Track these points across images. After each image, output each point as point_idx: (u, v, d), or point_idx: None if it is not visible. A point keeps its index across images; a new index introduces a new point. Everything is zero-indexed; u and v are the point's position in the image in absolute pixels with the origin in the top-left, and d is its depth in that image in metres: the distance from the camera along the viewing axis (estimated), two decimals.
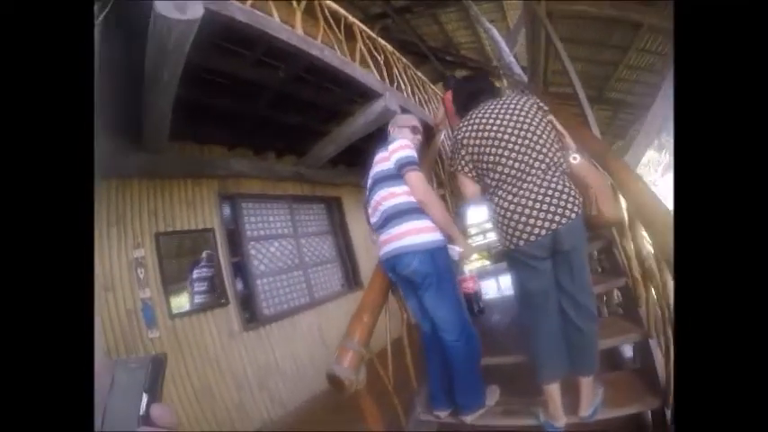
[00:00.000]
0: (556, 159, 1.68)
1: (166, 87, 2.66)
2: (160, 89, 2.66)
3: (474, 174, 1.82)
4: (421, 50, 9.35)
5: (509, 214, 1.67)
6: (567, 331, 1.74)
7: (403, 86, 5.54)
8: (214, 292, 4.07)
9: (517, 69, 5.92)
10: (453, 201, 4.29)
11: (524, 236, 1.64)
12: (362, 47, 4.66)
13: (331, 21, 4.21)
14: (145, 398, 0.44)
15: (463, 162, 1.83)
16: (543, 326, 1.75)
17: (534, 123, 1.70)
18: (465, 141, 1.80)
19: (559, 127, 1.79)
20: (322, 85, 4.12)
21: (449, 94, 4.35)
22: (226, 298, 4.15)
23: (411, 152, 2.01)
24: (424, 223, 1.93)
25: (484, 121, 1.77)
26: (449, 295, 1.93)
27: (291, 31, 3.18)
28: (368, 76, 4.14)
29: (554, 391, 1.77)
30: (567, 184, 1.65)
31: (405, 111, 4.62)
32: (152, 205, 3.86)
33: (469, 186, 1.86)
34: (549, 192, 1.62)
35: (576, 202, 1.63)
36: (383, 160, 2.04)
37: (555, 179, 1.64)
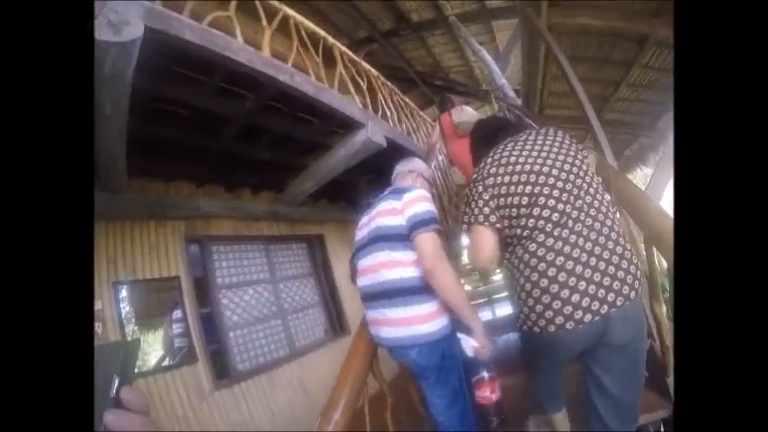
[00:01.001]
0: (606, 206, 1.29)
1: (112, 120, 2.35)
2: (104, 122, 2.33)
3: (500, 224, 1.33)
4: (408, 76, 9.23)
5: (543, 273, 1.20)
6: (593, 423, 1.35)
7: (389, 114, 5.23)
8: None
9: (510, 92, 5.70)
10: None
11: (562, 316, 1.16)
12: (343, 71, 4.35)
13: (308, 42, 3.89)
14: (116, 381, 0.45)
15: (487, 209, 1.33)
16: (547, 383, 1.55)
17: (578, 158, 1.33)
18: (489, 181, 1.34)
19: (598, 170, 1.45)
20: (296, 114, 3.80)
21: (446, 116, 4.12)
22: (194, 354, 3.75)
23: (431, 207, 1.55)
24: (432, 307, 1.49)
25: (515, 154, 1.36)
26: (451, 389, 1.52)
27: (254, 52, 2.85)
28: (348, 104, 3.81)
29: (559, 418, 1.59)
30: (625, 245, 1.23)
31: (392, 143, 4.31)
32: (111, 251, 3.53)
33: (491, 243, 1.34)
34: (604, 251, 1.18)
35: (638, 274, 1.21)
36: (393, 213, 1.56)
37: (607, 232, 1.22)
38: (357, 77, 4.70)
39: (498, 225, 1.33)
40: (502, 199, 1.31)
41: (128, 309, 3.53)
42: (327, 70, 4.05)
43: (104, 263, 3.42)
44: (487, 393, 1.73)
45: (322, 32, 4.20)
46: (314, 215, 5.56)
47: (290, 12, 3.65)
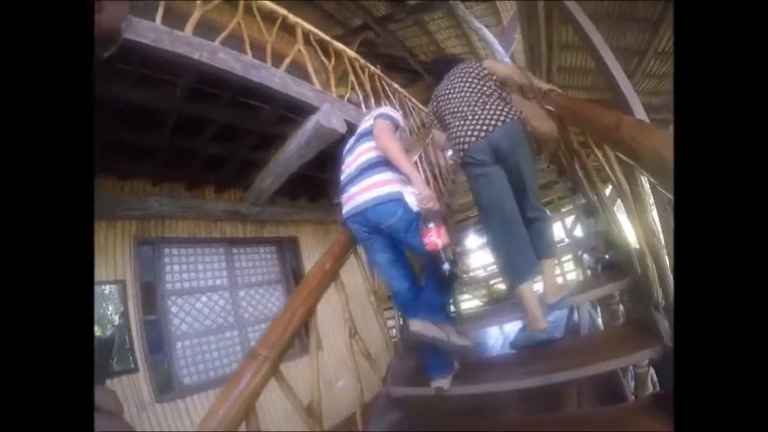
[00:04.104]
0: (491, 91, 2.21)
1: None
2: None
3: (438, 125, 2.42)
4: (411, 66, 8.93)
5: (457, 136, 2.16)
6: (527, 228, 2.08)
7: (373, 100, 5.07)
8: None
9: None
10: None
11: (466, 143, 2.10)
12: (303, 48, 4.14)
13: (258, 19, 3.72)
14: None
15: (431, 118, 2.51)
16: (503, 234, 2.09)
17: (475, 73, 2.28)
18: (432, 104, 2.45)
19: (501, 70, 2.35)
20: (235, 101, 3.56)
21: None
22: (135, 363, 3.64)
23: (393, 112, 2.21)
24: (390, 175, 2.04)
25: (441, 85, 2.41)
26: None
27: (166, 31, 2.67)
28: (295, 86, 3.58)
29: (527, 291, 2.02)
30: (501, 103, 2.14)
31: (352, 126, 4.06)
32: None
33: (437, 135, 2.49)
34: (485, 112, 2.11)
35: (507, 111, 2.10)
36: (367, 120, 2.24)
37: (490, 103, 2.14)
38: (324, 58, 4.48)
39: (437, 125, 2.45)
40: (436, 110, 2.40)
41: None
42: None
43: None
44: (434, 239, 1.92)
45: (282, 10, 4.01)
46: (286, 215, 5.38)
47: None
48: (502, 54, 6.06)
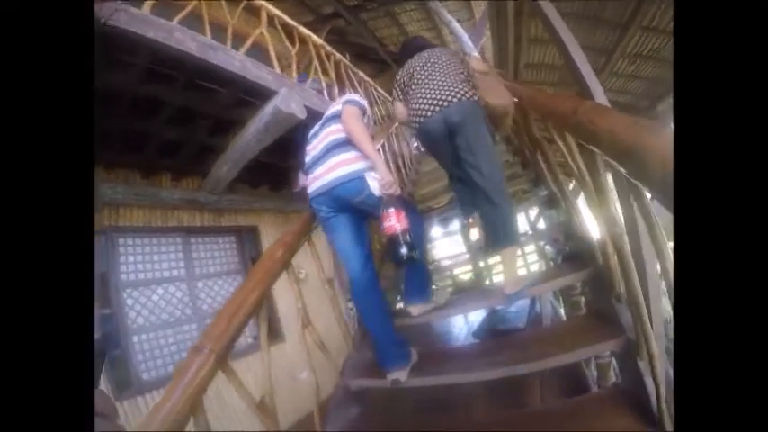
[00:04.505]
0: (459, 73, 2.31)
1: None
2: None
3: (402, 97, 2.51)
4: (380, 57, 8.92)
5: (416, 108, 2.28)
6: (484, 209, 2.18)
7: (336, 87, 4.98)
8: None
9: None
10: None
11: (423, 115, 2.24)
12: (265, 32, 4.03)
13: None
14: None
15: (395, 91, 2.57)
16: (469, 190, 2.28)
17: (450, 54, 2.44)
18: (397, 78, 2.56)
19: (471, 63, 2.44)
20: (191, 83, 3.41)
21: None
22: None
23: (361, 99, 2.32)
24: (355, 154, 2.12)
25: (414, 59, 2.48)
26: None
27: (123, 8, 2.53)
28: (251, 67, 3.46)
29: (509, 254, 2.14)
30: (465, 85, 2.24)
31: (312, 113, 4.01)
32: None
33: (399, 107, 2.53)
34: (446, 88, 2.22)
35: (466, 91, 2.21)
36: (335, 105, 2.35)
37: (456, 82, 2.24)
38: (288, 43, 4.38)
39: (400, 98, 2.52)
40: (401, 83, 2.51)
41: None
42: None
43: None
44: (393, 223, 2.01)
45: None
46: (245, 204, 5.25)
47: None
48: (471, 48, 6.13)
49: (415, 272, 2.26)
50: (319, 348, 2.11)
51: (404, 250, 2.01)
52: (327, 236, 2.26)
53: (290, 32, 4.53)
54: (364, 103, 2.30)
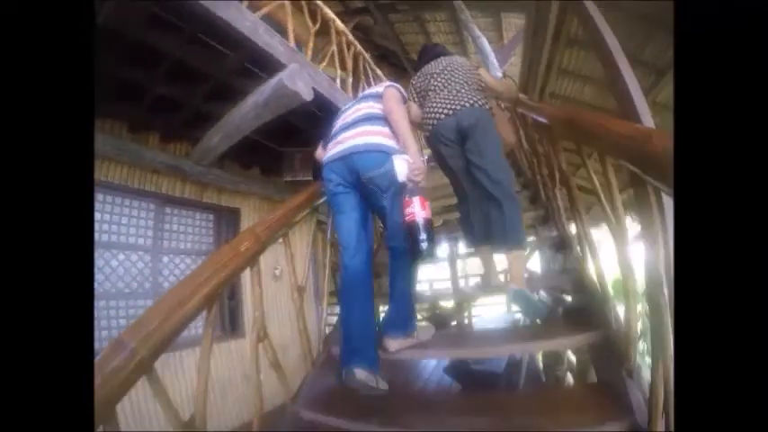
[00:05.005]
0: (474, 83, 2.42)
1: None
2: None
3: (417, 100, 2.57)
4: (400, 62, 8.87)
5: (430, 111, 2.38)
6: (490, 210, 2.17)
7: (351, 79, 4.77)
8: None
9: None
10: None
11: (437, 118, 2.34)
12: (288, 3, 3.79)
13: None
14: None
15: (410, 93, 2.58)
16: (466, 195, 2.40)
17: (467, 67, 2.50)
18: (413, 81, 2.64)
19: (488, 79, 2.52)
20: (195, 37, 3.13)
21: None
22: None
23: (399, 87, 2.28)
24: (387, 129, 2.09)
25: (432, 64, 2.57)
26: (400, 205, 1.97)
27: None
28: (264, 34, 3.17)
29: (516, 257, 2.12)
30: (478, 93, 2.37)
31: (327, 103, 3.77)
32: None
33: (413, 107, 2.51)
34: (460, 94, 2.33)
35: (478, 98, 2.32)
36: (375, 87, 2.36)
37: (470, 90, 2.36)
38: (309, 20, 4.16)
39: (416, 100, 2.58)
40: (417, 86, 2.59)
41: None
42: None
43: None
44: (417, 209, 1.88)
45: None
46: (232, 183, 4.94)
47: None
48: (495, 67, 6.01)
49: (401, 299, 2.04)
50: (273, 367, 1.81)
51: (425, 243, 1.86)
52: (332, 214, 2.22)
53: (312, 9, 4.29)
54: (405, 92, 2.31)
